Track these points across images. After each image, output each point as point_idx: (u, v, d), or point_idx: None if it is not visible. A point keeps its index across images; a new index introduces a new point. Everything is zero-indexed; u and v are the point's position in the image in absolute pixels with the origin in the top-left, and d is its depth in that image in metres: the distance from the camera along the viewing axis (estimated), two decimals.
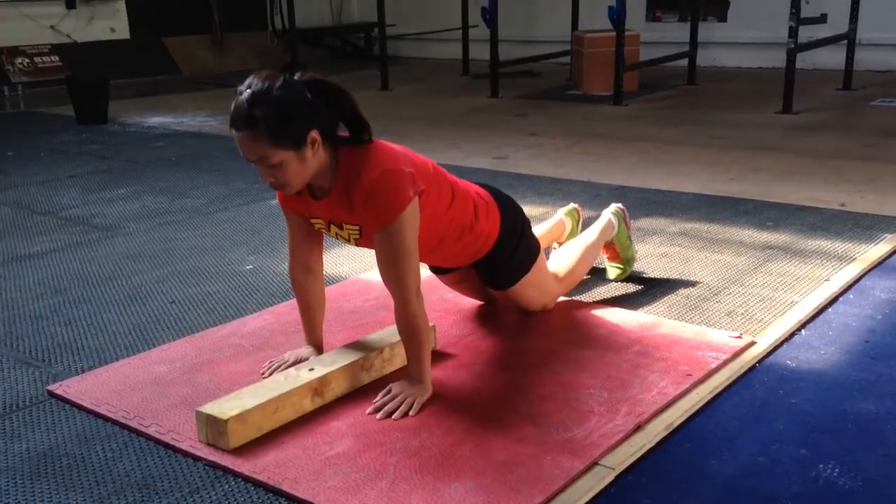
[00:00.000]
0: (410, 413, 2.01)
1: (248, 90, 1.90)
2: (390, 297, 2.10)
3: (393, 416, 2.00)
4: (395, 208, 1.99)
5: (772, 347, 2.36)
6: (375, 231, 2.04)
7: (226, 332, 2.55)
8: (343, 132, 2.06)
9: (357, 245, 2.20)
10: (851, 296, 2.73)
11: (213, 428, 1.89)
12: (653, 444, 1.89)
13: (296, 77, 1.97)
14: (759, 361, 2.29)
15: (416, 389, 2.06)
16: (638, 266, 2.97)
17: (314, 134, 1.94)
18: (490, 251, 2.38)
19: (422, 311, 2.08)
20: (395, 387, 2.08)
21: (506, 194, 2.49)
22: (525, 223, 2.48)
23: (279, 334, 2.51)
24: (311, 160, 1.96)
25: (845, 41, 6.82)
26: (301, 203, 2.14)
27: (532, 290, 2.51)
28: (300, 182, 2.00)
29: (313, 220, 2.18)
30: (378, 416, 2.00)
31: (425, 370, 2.10)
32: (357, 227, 2.10)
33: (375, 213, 2.01)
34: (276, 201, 4.17)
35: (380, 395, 2.07)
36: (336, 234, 2.16)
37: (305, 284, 2.27)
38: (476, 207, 2.30)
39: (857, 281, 2.84)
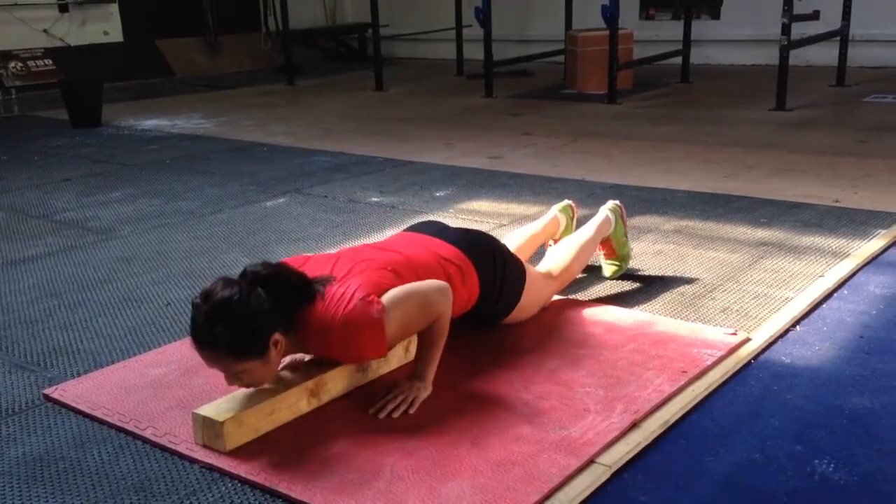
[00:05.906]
0: (410, 411, 2.01)
1: (206, 305, 1.86)
2: None
3: (393, 415, 2.01)
4: (374, 345, 2.00)
5: (767, 344, 2.36)
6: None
7: None
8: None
9: None
10: (846, 292, 2.73)
11: (210, 430, 1.89)
12: (649, 441, 1.90)
13: (249, 273, 1.92)
14: (754, 358, 2.29)
15: (417, 387, 2.07)
16: (633, 264, 2.98)
17: (276, 336, 1.92)
18: (475, 306, 2.35)
19: (449, 313, 2.10)
20: (397, 385, 2.09)
21: (479, 241, 2.41)
22: (505, 263, 2.41)
23: None
24: (277, 357, 1.96)
25: (838, 38, 6.84)
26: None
27: (525, 310, 2.50)
28: (269, 378, 1.99)
29: None
30: (380, 415, 2.01)
31: (431, 371, 2.11)
32: None
33: (360, 356, 2.06)
34: (270, 203, 4.22)
35: (381, 394, 2.08)
36: None
37: None
38: (450, 279, 2.22)
39: (851, 277, 2.85)
